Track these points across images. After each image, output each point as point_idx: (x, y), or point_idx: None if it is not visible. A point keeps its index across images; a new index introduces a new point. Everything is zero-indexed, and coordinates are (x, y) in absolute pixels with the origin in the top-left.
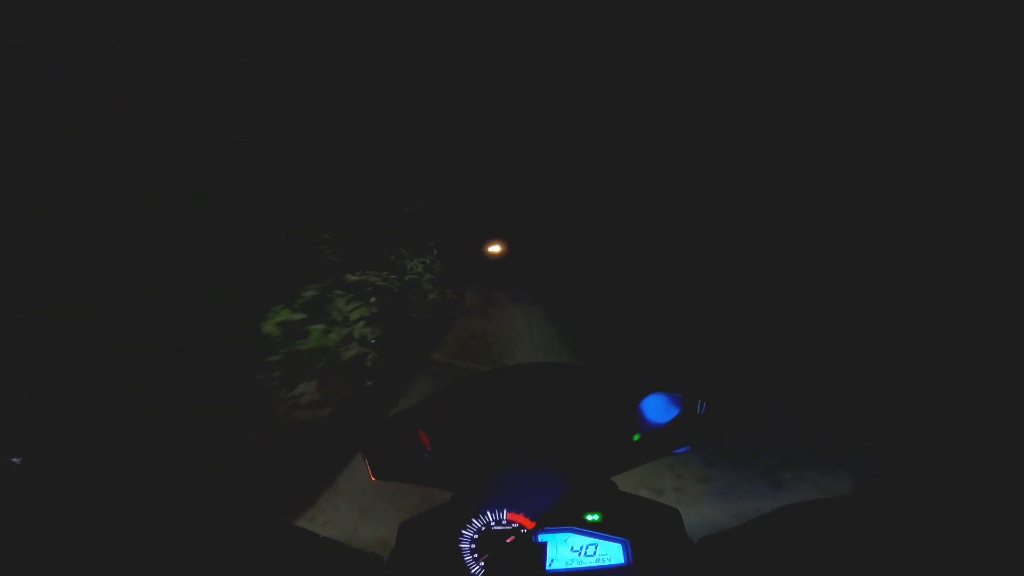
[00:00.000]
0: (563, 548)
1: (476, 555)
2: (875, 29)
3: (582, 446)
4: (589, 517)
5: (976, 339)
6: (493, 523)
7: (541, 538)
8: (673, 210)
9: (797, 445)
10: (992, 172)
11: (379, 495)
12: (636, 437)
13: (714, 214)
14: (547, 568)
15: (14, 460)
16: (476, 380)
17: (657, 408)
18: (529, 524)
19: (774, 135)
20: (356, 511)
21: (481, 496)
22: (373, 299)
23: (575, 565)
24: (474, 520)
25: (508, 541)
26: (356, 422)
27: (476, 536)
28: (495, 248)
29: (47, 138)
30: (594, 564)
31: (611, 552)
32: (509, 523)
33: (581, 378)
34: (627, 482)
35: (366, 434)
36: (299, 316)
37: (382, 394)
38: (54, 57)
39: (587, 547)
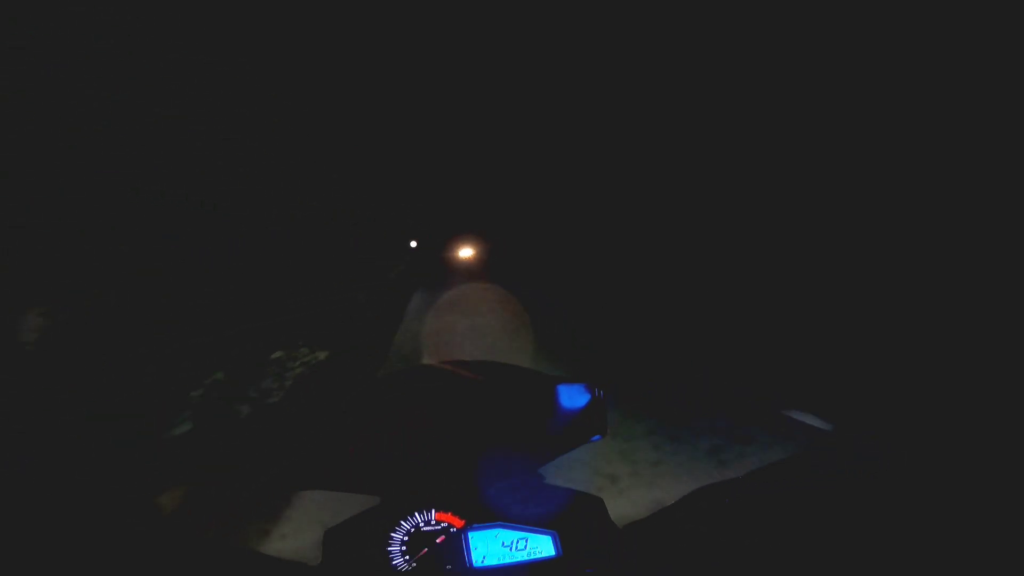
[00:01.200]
0: (494, 544)
1: (407, 556)
2: (875, 29)
3: (504, 440)
4: (516, 511)
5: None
6: (422, 523)
7: (471, 535)
8: (665, 209)
9: (743, 426)
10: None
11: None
12: (554, 428)
13: (707, 212)
14: (478, 564)
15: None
16: (395, 381)
17: (566, 398)
18: (458, 522)
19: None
20: (311, 521)
21: (409, 497)
22: None
23: (506, 560)
24: (403, 522)
25: (438, 541)
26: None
27: (406, 538)
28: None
29: (47, 138)
30: (525, 558)
31: (541, 545)
32: (438, 523)
33: (498, 374)
34: (583, 471)
35: (283, 442)
36: None
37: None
38: (54, 57)
39: (517, 541)
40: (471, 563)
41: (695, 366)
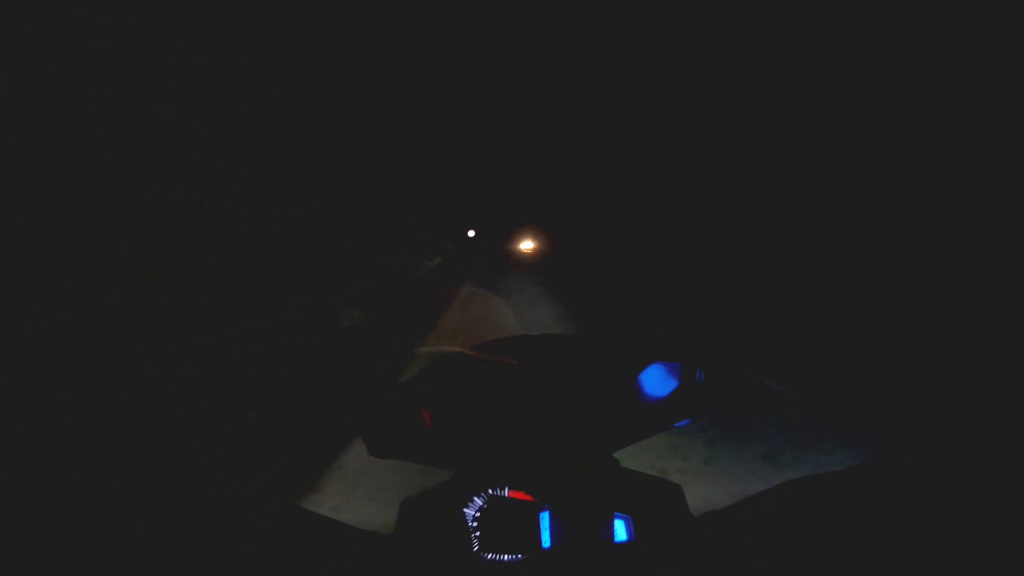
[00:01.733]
0: None
1: (479, 532)
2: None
3: (584, 420)
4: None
5: (972, 330)
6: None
7: (544, 515)
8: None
9: (797, 429)
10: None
11: (386, 474)
12: (638, 408)
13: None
14: (549, 545)
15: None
16: (474, 355)
17: (656, 379)
18: (532, 500)
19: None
20: (363, 495)
21: (483, 473)
22: None
23: None
24: (476, 498)
25: (511, 518)
26: (353, 400)
27: (478, 513)
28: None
29: (47, 138)
30: None
31: (614, 528)
32: (512, 500)
33: (581, 350)
34: (631, 462)
35: (362, 412)
36: None
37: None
38: (54, 57)
39: None
40: (544, 543)
41: (752, 368)
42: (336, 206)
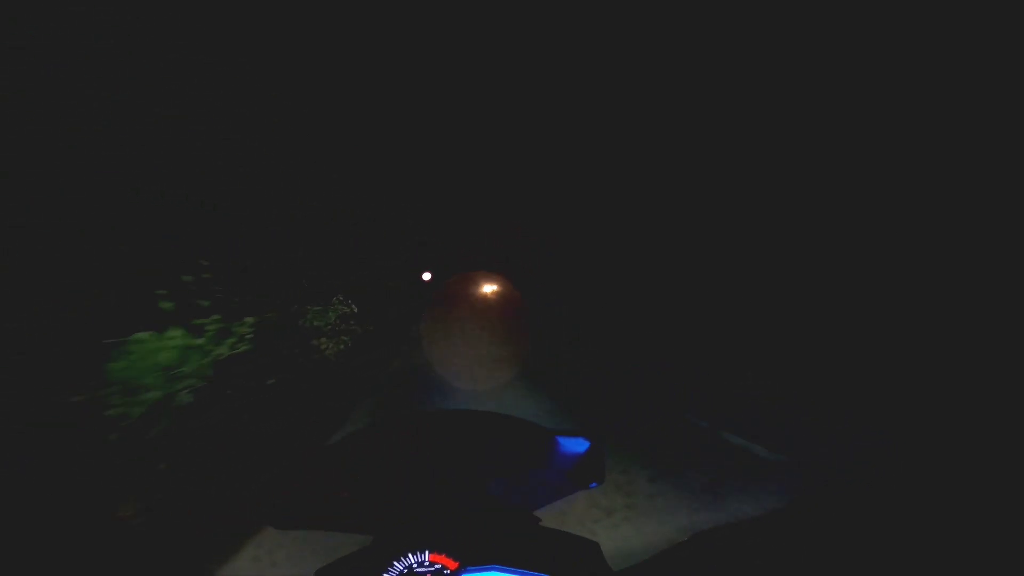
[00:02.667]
0: None
1: None
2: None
3: (504, 483)
4: (512, 554)
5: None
6: (415, 565)
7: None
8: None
9: (734, 460)
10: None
11: (302, 540)
12: (552, 473)
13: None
14: None
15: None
16: (393, 424)
17: (565, 448)
18: (452, 564)
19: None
20: (285, 552)
21: (402, 538)
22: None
23: None
24: (396, 563)
25: None
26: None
27: None
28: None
29: (47, 138)
30: None
31: None
32: (432, 564)
33: (499, 423)
34: (580, 503)
35: (269, 480)
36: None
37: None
38: (54, 57)
39: None
40: None
41: (690, 401)
42: (336, 206)
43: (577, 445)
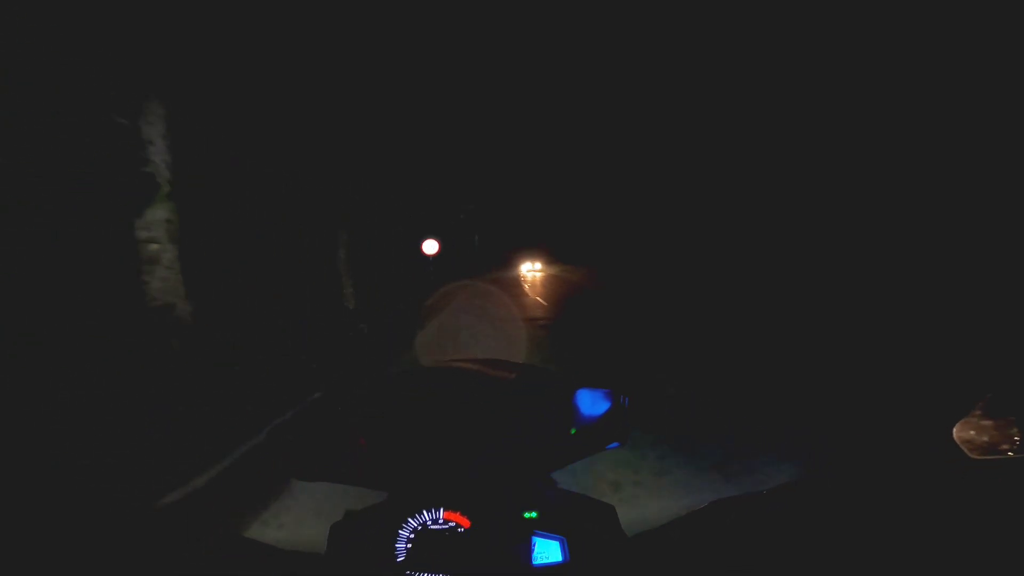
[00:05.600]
0: None
1: (412, 555)
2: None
3: (521, 441)
4: (527, 515)
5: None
6: (430, 522)
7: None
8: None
9: (746, 440)
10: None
11: (332, 493)
12: (572, 431)
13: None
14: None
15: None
16: (411, 377)
17: (587, 403)
18: (466, 523)
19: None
20: (309, 512)
21: (417, 494)
22: None
23: None
24: (410, 519)
25: (445, 540)
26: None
27: (412, 536)
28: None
29: (47, 138)
30: (532, 562)
31: (548, 550)
32: (446, 522)
33: (519, 374)
34: (586, 476)
35: (288, 431)
36: None
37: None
38: (54, 57)
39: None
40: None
41: (702, 382)
42: (335, 206)
43: (599, 400)
